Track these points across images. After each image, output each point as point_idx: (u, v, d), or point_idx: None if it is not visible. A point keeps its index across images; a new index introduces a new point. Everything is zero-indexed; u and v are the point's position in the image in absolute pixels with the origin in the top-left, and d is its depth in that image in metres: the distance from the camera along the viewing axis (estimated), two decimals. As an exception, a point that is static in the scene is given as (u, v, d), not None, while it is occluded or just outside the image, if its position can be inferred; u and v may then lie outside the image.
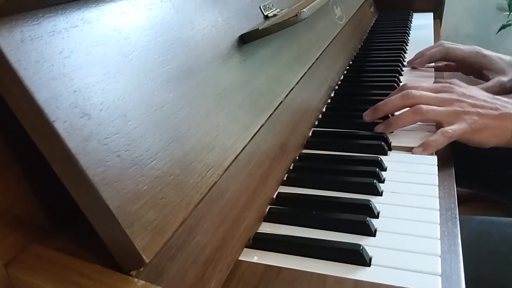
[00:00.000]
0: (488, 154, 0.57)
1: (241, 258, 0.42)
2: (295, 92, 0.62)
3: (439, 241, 0.42)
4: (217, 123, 0.41)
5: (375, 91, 0.79)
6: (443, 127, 0.57)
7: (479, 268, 0.54)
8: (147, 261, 0.29)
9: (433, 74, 0.90)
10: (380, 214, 0.46)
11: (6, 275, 0.30)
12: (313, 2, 0.56)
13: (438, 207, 0.47)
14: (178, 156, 0.35)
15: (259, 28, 0.51)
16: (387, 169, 0.55)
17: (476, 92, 0.59)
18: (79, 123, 0.28)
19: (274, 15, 0.59)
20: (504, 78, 0.77)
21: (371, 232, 0.43)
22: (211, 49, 0.45)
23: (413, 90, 0.61)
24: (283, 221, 0.47)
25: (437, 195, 0.49)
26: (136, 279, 0.30)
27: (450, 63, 0.91)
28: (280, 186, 0.53)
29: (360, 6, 1.19)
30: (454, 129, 0.55)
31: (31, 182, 0.32)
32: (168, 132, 0.35)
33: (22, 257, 0.31)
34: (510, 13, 1.85)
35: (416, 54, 0.92)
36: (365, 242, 0.42)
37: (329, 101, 0.78)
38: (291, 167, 0.57)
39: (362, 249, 0.40)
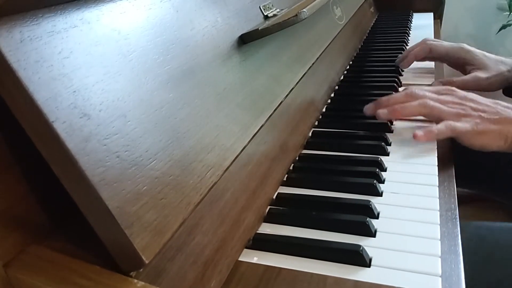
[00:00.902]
0: (488, 154, 0.56)
1: (241, 258, 0.42)
2: (295, 92, 0.62)
3: (439, 242, 0.42)
4: (217, 123, 0.41)
5: (375, 91, 0.79)
6: None
7: (475, 273, 0.54)
8: (146, 261, 0.29)
9: (433, 75, 0.90)
10: (380, 215, 0.46)
11: (5, 275, 0.30)
12: (313, 2, 0.56)
13: (438, 208, 0.47)
14: (177, 156, 0.35)
15: (259, 28, 0.51)
16: (387, 169, 0.55)
17: (477, 97, 0.59)
18: (79, 123, 0.28)
19: (274, 15, 0.59)
20: (482, 75, 0.77)
21: (371, 233, 0.43)
22: (211, 49, 0.45)
23: (416, 89, 0.62)
24: (283, 222, 0.47)
25: (437, 195, 0.49)
26: (135, 280, 0.30)
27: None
28: (280, 187, 0.53)
29: (360, 6, 1.19)
30: (458, 125, 0.55)
31: (31, 182, 0.32)
32: (168, 132, 0.35)
33: (21, 258, 0.31)
34: (510, 13, 1.85)
35: (402, 54, 0.92)
36: (365, 242, 0.42)
37: (329, 101, 0.78)
38: (291, 168, 0.57)
39: (362, 250, 0.40)
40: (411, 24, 1.28)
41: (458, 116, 0.57)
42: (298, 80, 0.64)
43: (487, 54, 0.81)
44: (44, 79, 0.27)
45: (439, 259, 0.40)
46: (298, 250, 0.42)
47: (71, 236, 0.33)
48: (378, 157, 0.56)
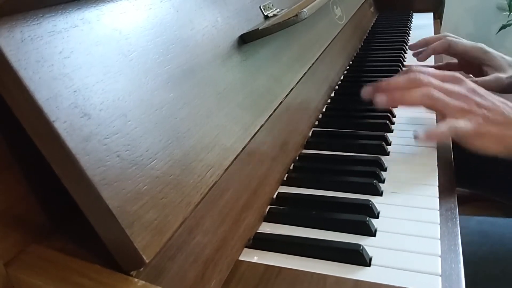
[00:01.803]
0: (488, 155, 0.56)
1: (241, 258, 0.42)
2: (295, 92, 0.62)
3: (439, 241, 0.42)
4: (217, 123, 0.41)
5: (375, 91, 0.79)
6: (444, 119, 0.54)
7: (478, 268, 0.54)
8: (147, 261, 0.29)
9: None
10: (380, 214, 0.46)
11: (6, 275, 0.30)
12: (313, 2, 0.56)
13: (438, 207, 0.47)
14: (178, 156, 0.35)
15: (259, 28, 0.51)
16: (387, 169, 0.55)
17: (485, 92, 0.56)
18: (79, 123, 0.28)
19: (274, 15, 0.59)
20: (502, 75, 0.77)
21: (371, 232, 0.43)
22: (211, 49, 0.45)
23: (421, 75, 0.55)
24: (283, 221, 0.47)
25: (437, 195, 0.49)
26: (136, 279, 0.30)
27: (451, 62, 0.91)
28: (280, 186, 0.53)
29: (360, 6, 1.19)
30: (461, 126, 0.52)
31: (31, 182, 0.32)
32: (168, 132, 0.35)
33: (22, 257, 0.31)
34: (510, 13, 1.85)
35: (419, 41, 0.90)
36: (365, 242, 0.42)
37: (329, 101, 0.78)
38: (291, 167, 0.57)
39: (362, 249, 0.40)
40: (411, 24, 1.28)
41: (462, 112, 0.53)
42: (298, 80, 0.64)
43: (504, 56, 0.81)
44: (44, 78, 0.27)
45: (439, 259, 0.40)
46: (298, 249, 0.42)
47: (71, 236, 0.33)
48: (378, 157, 0.56)
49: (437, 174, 0.53)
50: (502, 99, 0.55)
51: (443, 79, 0.57)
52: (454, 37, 0.87)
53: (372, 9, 1.38)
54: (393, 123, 0.67)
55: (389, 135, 0.62)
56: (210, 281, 0.37)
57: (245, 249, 0.43)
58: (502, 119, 0.52)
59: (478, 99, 0.54)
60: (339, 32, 0.92)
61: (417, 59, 0.90)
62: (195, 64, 0.41)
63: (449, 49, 0.86)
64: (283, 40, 0.63)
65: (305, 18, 0.50)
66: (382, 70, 0.91)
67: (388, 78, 0.58)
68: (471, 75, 0.87)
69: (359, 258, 0.40)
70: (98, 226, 0.29)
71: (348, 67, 0.95)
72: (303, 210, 0.48)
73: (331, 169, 0.55)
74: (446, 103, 0.53)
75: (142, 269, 0.30)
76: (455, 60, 0.89)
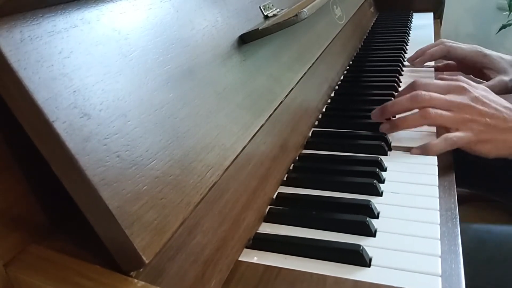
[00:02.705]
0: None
1: (241, 258, 0.42)
2: (295, 92, 0.62)
3: (439, 242, 0.42)
4: (217, 123, 0.41)
5: (375, 91, 0.79)
6: (448, 131, 0.56)
7: (475, 276, 0.54)
8: (146, 261, 0.29)
9: (433, 74, 0.90)
10: (380, 215, 0.46)
11: (6, 275, 0.30)
12: (313, 2, 0.56)
13: (438, 208, 0.47)
14: (178, 156, 0.35)
15: (259, 28, 0.51)
16: (387, 169, 0.55)
17: (489, 97, 0.57)
18: (79, 123, 0.28)
19: (274, 15, 0.59)
20: (506, 78, 0.76)
21: (371, 233, 0.43)
22: (211, 49, 0.45)
23: (423, 92, 0.58)
24: (283, 222, 0.47)
25: (437, 195, 0.49)
26: (135, 280, 0.30)
27: (450, 62, 0.91)
28: (280, 186, 0.53)
29: (360, 6, 1.19)
30: (459, 136, 0.54)
31: (31, 182, 0.32)
32: (168, 132, 0.35)
33: (22, 257, 0.31)
34: (510, 13, 1.85)
35: (416, 52, 0.91)
36: (365, 242, 0.42)
37: (329, 101, 0.78)
38: (291, 167, 0.57)
39: (362, 250, 0.40)
40: (411, 24, 1.28)
41: (463, 123, 0.55)
42: (298, 80, 0.64)
43: (503, 56, 0.81)
44: (44, 79, 0.27)
45: (439, 259, 0.40)
46: (298, 250, 0.42)
47: (71, 236, 0.33)
48: (378, 157, 0.56)
49: (437, 174, 0.53)
50: (506, 104, 0.56)
51: (446, 91, 0.58)
52: (453, 43, 0.87)
53: (372, 9, 1.38)
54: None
55: (389, 135, 0.62)
56: (210, 281, 0.37)
57: (245, 249, 0.43)
58: (505, 124, 0.54)
59: (481, 108, 0.56)
60: (339, 32, 0.92)
61: (414, 64, 0.90)
62: (195, 64, 0.41)
63: (448, 54, 0.86)
64: (283, 40, 0.63)
65: (305, 18, 0.50)
66: (382, 70, 0.91)
67: (393, 100, 0.62)
68: (471, 76, 0.87)
69: (359, 258, 0.40)
70: (97, 226, 0.29)
71: (348, 67, 0.95)
72: (303, 211, 0.48)
73: (331, 169, 0.55)
74: (445, 118, 0.56)
75: (141, 269, 0.30)
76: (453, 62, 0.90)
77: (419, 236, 0.43)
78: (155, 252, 0.30)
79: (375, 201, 0.48)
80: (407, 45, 1.08)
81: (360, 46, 1.09)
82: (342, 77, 0.89)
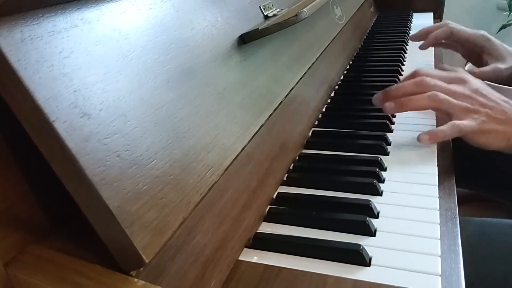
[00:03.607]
0: (488, 154, 0.56)
1: (241, 258, 0.42)
2: (295, 92, 0.62)
3: (439, 241, 0.42)
4: (217, 123, 0.41)
5: (375, 91, 0.78)
6: (450, 119, 0.56)
7: (478, 269, 0.54)
8: (147, 261, 0.29)
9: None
10: (380, 214, 0.46)
11: (6, 275, 0.30)
12: (313, 2, 0.56)
13: (438, 207, 0.47)
14: (178, 156, 0.35)
15: (259, 28, 0.51)
16: (387, 169, 0.55)
17: (488, 92, 0.57)
18: (79, 123, 0.28)
19: (274, 15, 0.59)
20: (502, 66, 0.76)
21: (371, 232, 0.43)
22: (211, 49, 0.45)
23: (427, 78, 0.57)
24: (283, 221, 0.47)
25: (437, 195, 0.49)
26: (136, 279, 0.30)
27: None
28: (280, 186, 0.53)
29: (360, 6, 1.19)
30: (465, 124, 0.54)
31: (31, 182, 0.32)
32: (168, 132, 0.35)
33: (22, 257, 0.31)
34: (510, 13, 1.85)
35: (420, 31, 0.90)
36: (365, 242, 0.42)
37: (329, 101, 0.78)
38: (291, 167, 0.57)
39: (362, 249, 0.40)
40: (411, 24, 1.28)
41: (466, 112, 0.55)
42: (298, 80, 0.64)
43: (506, 46, 0.80)
44: (44, 78, 0.27)
45: (439, 259, 0.40)
46: (298, 249, 0.42)
47: (71, 236, 0.33)
48: (378, 157, 0.56)
49: (437, 174, 0.53)
50: (504, 98, 0.57)
51: (448, 81, 0.58)
52: (456, 25, 0.87)
53: (372, 9, 1.38)
54: (393, 123, 0.67)
55: (389, 135, 0.62)
56: (210, 281, 0.37)
57: (245, 249, 0.43)
58: (504, 117, 0.54)
59: (481, 99, 0.56)
60: (339, 32, 0.92)
61: (419, 48, 0.90)
62: (195, 64, 0.41)
63: (451, 36, 0.85)
64: (283, 40, 0.63)
65: (305, 18, 0.50)
66: (382, 70, 0.91)
67: (397, 84, 0.60)
68: (469, 63, 0.87)
69: (359, 258, 0.40)
70: (98, 226, 0.29)
71: (348, 67, 0.95)
72: (303, 210, 0.48)
73: (331, 169, 0.55)
74: (451, 104, 0.55)
75: (142, 269, 0.30)
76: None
77: (419, 236, 0.43)
78: (155, 251, 0.30)
79: (375, 200, 0.48)
80: (407, 45, 1.08)
81: (360, 46, 1.09)
82: (342, 77, 0.89)
